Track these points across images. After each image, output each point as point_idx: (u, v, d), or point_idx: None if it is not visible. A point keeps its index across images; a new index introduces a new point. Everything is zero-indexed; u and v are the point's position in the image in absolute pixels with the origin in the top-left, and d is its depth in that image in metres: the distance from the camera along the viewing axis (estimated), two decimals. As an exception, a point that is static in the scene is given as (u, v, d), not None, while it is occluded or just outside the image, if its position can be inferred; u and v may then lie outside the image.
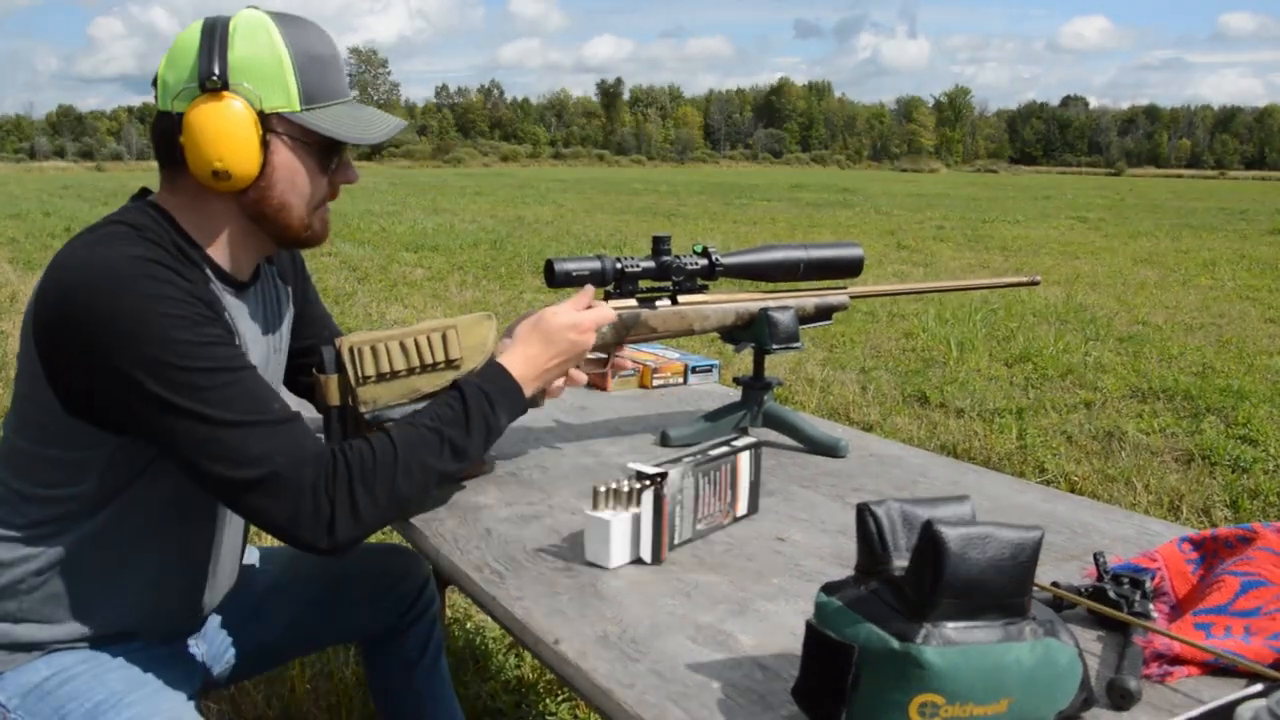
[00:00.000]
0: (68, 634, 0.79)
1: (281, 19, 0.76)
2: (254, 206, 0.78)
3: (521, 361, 0.84)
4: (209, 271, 0.79)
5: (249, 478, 0.70)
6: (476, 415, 0.79)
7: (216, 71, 0.72)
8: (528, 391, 0.85)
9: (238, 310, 0.82)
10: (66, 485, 0.77)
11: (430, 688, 1.11)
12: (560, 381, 0.91)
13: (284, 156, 0.76)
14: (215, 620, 0.95)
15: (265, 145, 0.75)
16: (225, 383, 0.71)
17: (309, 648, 1.11)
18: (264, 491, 0.71)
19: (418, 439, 0.77)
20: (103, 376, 0.70)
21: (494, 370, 0.83)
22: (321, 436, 0.82)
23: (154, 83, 0.76)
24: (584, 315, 0.89)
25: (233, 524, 0.90)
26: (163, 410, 0.70)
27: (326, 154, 0.79)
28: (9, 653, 0.78)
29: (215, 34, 0.73)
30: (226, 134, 0.73)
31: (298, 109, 0.76)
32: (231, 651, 0.96)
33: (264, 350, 0.87)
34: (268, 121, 0.75)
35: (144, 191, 0.82)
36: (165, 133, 0.75)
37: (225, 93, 0.73)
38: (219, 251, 0.80)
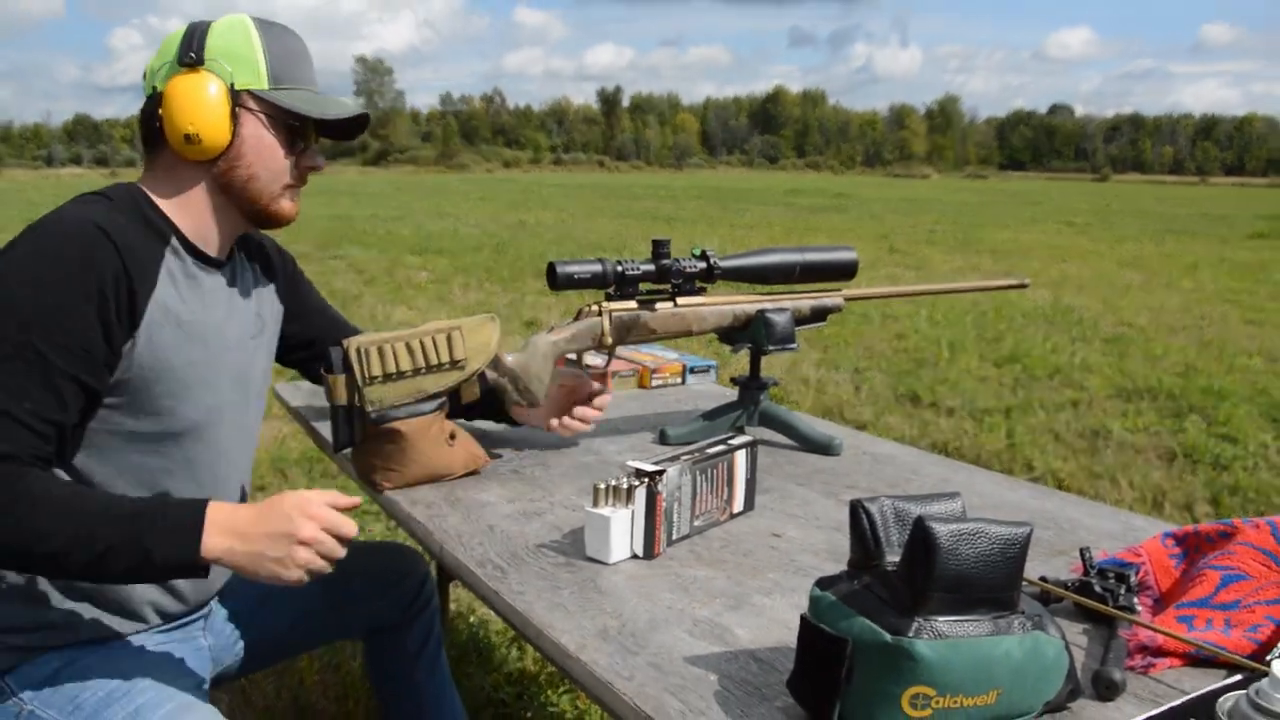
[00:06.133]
0: (60, 620, 0.79)
1: (258, 19, 0.83)
2: (223, 177, 0.82)
3: (235, 514, 0.73)
4: (175, 241, 0.82)
5: None
6: (135, 526, 0.70)
7: (194, 51, 0.79)
8: (212, 541, 0.71)
9: (210, 283, 0.84)
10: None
11: (431, 681, 1.12)
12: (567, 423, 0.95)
13: (252, 129, 0.81)
14: (222, 612, 0.96)
15: (235, 119, 0.80)
16: (18, 363, 0.70)
17: (315, 641, 1.11)
18: None
19: (69, 506, 0.70)
20: None
21: (196, 504, 0.73)
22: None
23: (143, 76, 0.82)
24: (319, 506, 0.75)
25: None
26: None
27: (293, 135, 0.84)
28: (22, 650, 0.79)
29: (197, 27, 0.81)
30: (198, 102, 0.79)
31: (266, 87, 0.81)
32: (240, 643, 0.97)
33: (233, 329, 0.87)
34: (238, 97, 0.80)
35: None
36: (148, 114, 0.81)
37: (200, 69, 0.79)
38: (188, 222, 0.83)
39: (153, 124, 0.80)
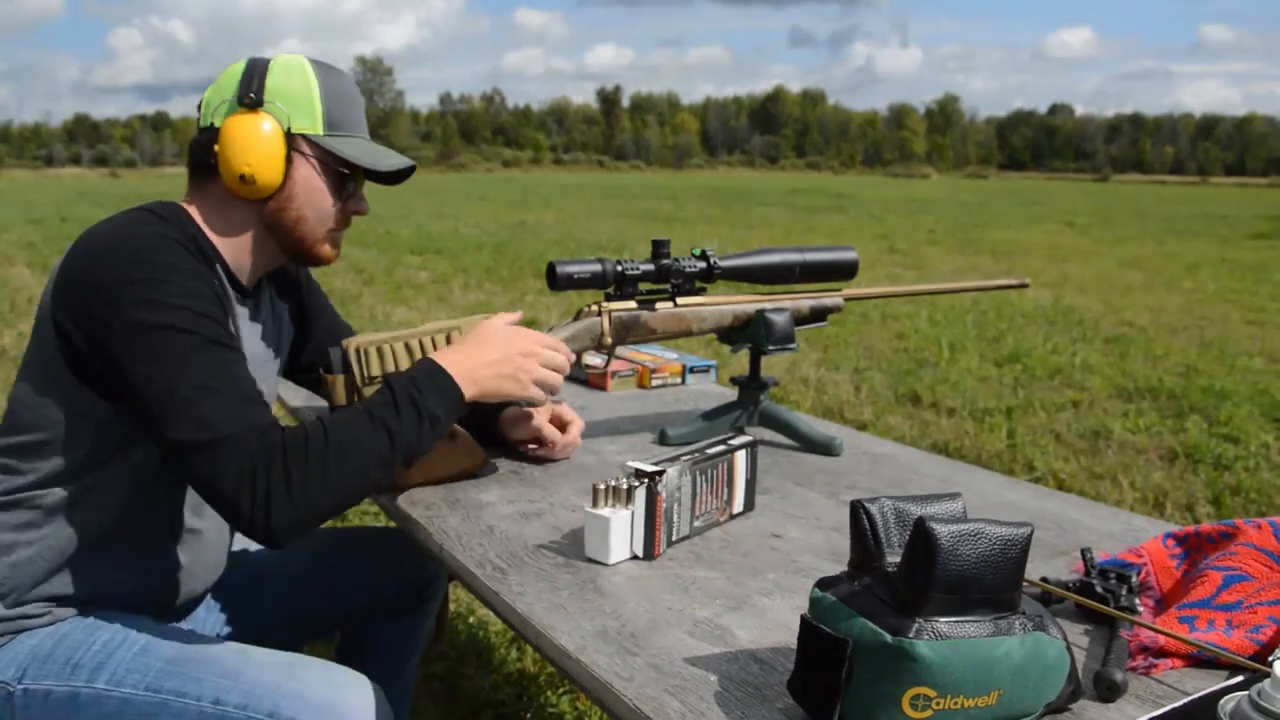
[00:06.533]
0: (41, 609, 0.79)
1: (316, 62, 0.85)
2: (272, 217, 0.84)
3: (454, 354, 0.84)
4: (219, 268, 0.84)
5: (202, 440, 0.72)
6: (404, 399, 0.79)
7: (254, 92, 0.81)
8: (461, 384, 0.83)
9: (239, 311, 0.86)
10: (56, 451, 0.78)
11: (394, 685, 1.11)
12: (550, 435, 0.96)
13: (304, 174, 0.84)
14: (203, 604, 0.96)
15: (289, 161, 0.83)
16: (209, 353, 0.75)
17: (310, 633, 1.10)
18: (213, 456, 0.72)
19: (350, 420, 0.77)
20: (102, 331, 0.74)
21: (423, 361, 0.84)
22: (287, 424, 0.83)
23: (198, 106, 0.85)
24: (537, 333, 0.89)
25: (215, 519, 0.90)
26: (145, 365, 0.73)
27: (342, 180, 0.86)
28: None
29: (257, 66, 0.83)
30: (255, 143, 0.81)
31: (321, 133, 0.84)
32: (227, 631, 0.97)
33: (256, 354, 0.90)
34: (293, 140, 0.83)
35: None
36: (202, 144, 0.83)
37: (259, 110, 0.81)
38: (230, 252, 0.85)
39: (206, 156, 0.82)
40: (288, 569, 1.02)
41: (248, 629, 0.98)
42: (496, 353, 0.85)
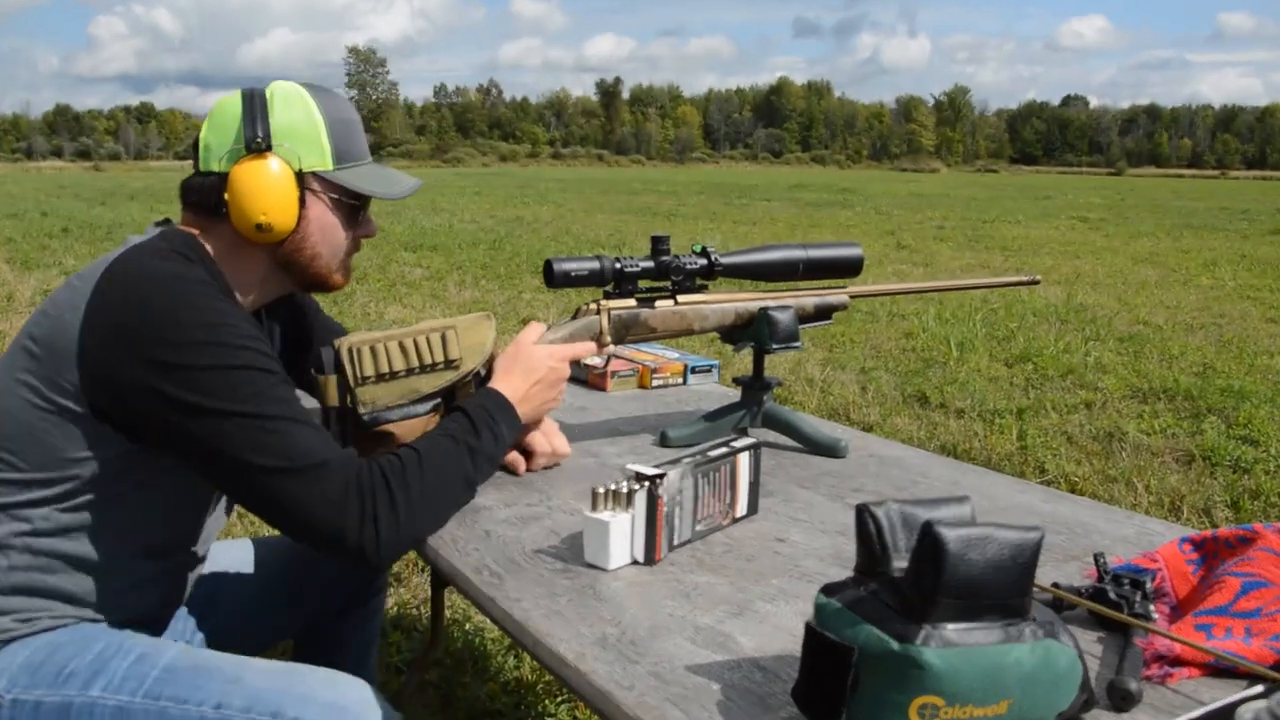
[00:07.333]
0: (40, 625, 0.78)
1: (311, 88, 0.83)
2: (287, 256, 0.84)
3: (508, 382, 0.89)
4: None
5: (299, 466, 0.73)
6: (482, 423, 0.84)
7: (260, 135, 0.79)
8: (520, 412, 0.89)
9: None
10: (59, 483, 0.77)
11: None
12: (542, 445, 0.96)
13: (318, 211, 0.84)
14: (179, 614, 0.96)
15: (302, 202, 0.82)
16: (282, 389, 0.76)
17: (269, 633, 1.10)
18: (312, 481, 0.73)
19: (438, 446, 0.81)
20: (157, 382, 0.73)
21: (485, 390, 0.88)
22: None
23: (193, 146, 0.82)
24: (560, 346, 0.93)
25: (209, 535, 0.91)
26: (228, 402, 0.73)
27: (353, 210, 0.86)
28: None
29: (255, 102, 0.80)
30: (268, 191, 0.79)
31: (331, 168, 0.83)
32: (200, 637, 0.97)
33: None
34: (304, 180, 0.82)
35: (166, 221, 0.86)
36: (206, 189, 0.81)
37: (268, 154, 0.79)
38: (242, 290, 0.85)
39: (215, 202, 0.80)
40: (243, 573, 1.03)
41: (209, 636, 0.98)
42: (537, 377, 0.90)
